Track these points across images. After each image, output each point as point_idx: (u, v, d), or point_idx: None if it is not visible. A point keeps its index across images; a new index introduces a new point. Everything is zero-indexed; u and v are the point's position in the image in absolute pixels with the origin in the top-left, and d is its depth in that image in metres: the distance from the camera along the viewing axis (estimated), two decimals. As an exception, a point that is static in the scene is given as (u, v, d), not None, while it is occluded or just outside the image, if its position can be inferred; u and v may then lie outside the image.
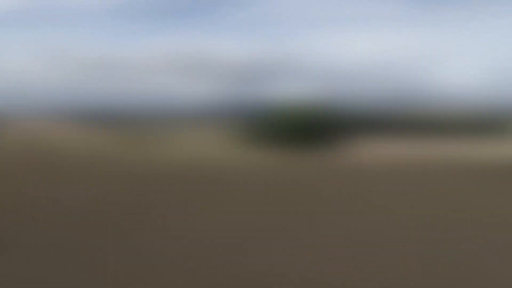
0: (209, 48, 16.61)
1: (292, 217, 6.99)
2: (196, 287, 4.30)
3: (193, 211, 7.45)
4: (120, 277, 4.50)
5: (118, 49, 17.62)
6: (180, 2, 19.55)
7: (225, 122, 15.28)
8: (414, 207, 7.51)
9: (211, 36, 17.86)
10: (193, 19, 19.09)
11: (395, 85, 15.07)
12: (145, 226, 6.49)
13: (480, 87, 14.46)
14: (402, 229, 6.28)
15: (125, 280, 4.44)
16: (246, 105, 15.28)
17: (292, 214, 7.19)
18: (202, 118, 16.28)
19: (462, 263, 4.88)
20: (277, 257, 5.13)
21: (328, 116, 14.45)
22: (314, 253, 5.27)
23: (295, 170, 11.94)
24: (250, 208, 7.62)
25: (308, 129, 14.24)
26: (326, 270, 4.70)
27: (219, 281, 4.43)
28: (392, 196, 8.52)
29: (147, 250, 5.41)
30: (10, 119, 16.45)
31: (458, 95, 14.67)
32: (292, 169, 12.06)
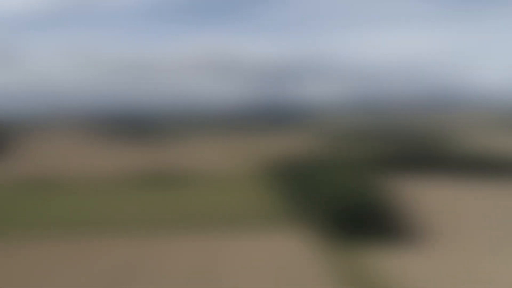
0: (241, 49, 16.30)
1: None
2: None
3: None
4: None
5: (150, 50, 17.32)
6: (210, 3, 19.25)
7: (254, 128, 14.89)
8: None
9: (243, 37, 17.59)
10: (224, 20, 18.81)
11: (429, 87, 14.59)
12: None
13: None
14: None
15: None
16: (277, 110, 14.88)
17: None
18: (231, 122, 15.83)
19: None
20: None
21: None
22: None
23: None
24: None
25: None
26: None
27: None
28: None
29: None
30: (36, 131, 16.05)
31: (493, 95, 14.16)
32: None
